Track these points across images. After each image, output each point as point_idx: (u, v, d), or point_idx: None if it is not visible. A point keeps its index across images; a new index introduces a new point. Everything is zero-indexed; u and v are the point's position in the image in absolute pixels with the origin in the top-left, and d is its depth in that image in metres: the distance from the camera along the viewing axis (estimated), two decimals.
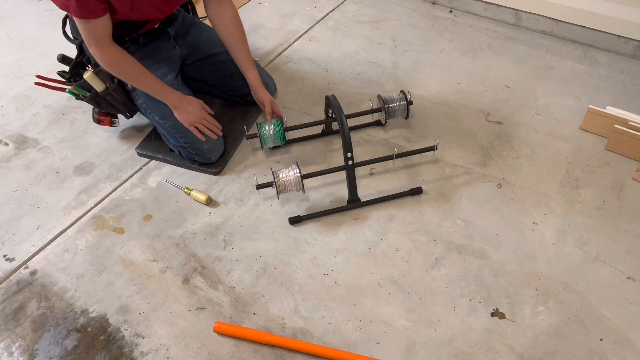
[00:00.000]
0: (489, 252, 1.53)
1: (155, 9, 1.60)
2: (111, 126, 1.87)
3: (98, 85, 1.68)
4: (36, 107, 2.10)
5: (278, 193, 1.58)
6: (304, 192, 1.60)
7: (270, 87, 2.02)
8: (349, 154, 1.59)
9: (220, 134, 1.77)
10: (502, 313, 1.39)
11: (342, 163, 1.61)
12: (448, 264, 1.50)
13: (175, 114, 1.68)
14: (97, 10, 1.46)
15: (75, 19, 1.47)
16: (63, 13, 1.73)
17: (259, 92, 1.80)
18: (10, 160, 1.88)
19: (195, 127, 1.70)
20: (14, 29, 2.57)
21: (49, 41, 2.42)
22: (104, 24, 1.50)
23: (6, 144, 1.95)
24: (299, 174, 1.56)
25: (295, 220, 1.62)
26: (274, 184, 1.56)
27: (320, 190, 1.73)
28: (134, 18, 1.59)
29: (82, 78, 1.69)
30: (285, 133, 1.76)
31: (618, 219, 1.60)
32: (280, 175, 1.57)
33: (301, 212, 1.64)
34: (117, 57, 1.57)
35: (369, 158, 1.69)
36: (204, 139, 1.72)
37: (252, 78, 1.80)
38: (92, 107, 1.82)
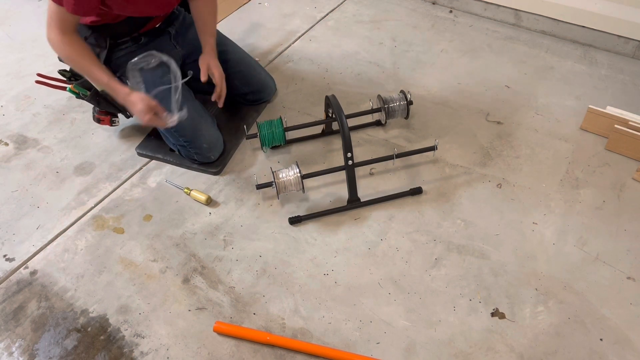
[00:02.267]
0: (489, 252, 1.53)
1: (153, 5, 1.59)
2: (111, 125, 1.87)
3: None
4: (36, 107, 2.10)
5: (278, 193, 1.58)
6: (303, 192, 1.60)
7: (271, 87, 2.02)
8: (349, 154, 1.59)
9: (166, 120, 1.58)
10: (502, 313, 1.39)
11: (342, 163, 1.61)
12: (448, 264, 1.50)
13: (127, 105, 1.59)
14: (90, 10, 1.46)
15: (55, 5, 1.44)
16: None
17: (206, 58, 1.71)
18: (10, 160, 1.88)
19: (147, 119, 1.56)
20: (14, 29, 2.57)
21: None
22: (77, 18, 1.50)
23: (6, 144, 1.95)
24: (299, 174, 1.56)
25: (295, 220, 1.62)
26: (274, 184, 1.56)
27: (320, 190, 1.73)
28: (130, 14, 1.59)
29: (83, 77, 1.69)
30: (285, 133, 1.76)
31: (618, 219, 1.60)
32: (280, 175, 1.57)
33: (301, 212, 1.64)
34: (74, 46, 1.53)
35: (369, 158, 1.69)
36: (162, 123, 1.57)
37: (205, 44, 1.74)
38: (93, 106, 1.82)
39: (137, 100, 1.54)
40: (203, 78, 1.70)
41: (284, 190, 1.58)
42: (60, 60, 1.66)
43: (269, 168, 1.78)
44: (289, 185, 1.57)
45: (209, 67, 1.71)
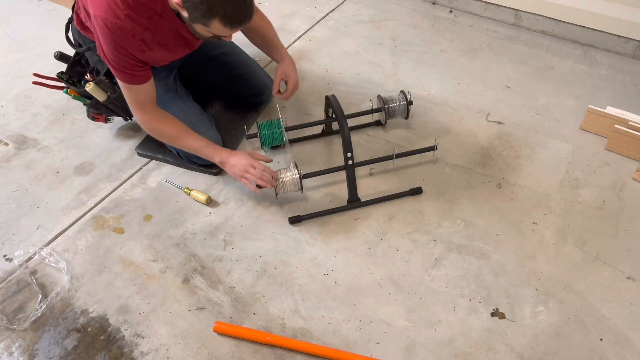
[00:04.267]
0: (489, 252, 1.53)
1: (178, 55, 1.63)
2: (106, 122, 1.88)
3: (100, 96, 1.68)
4: (36, 107, 2.10)
5: (277, 193, 1.58)
6: (302, 192, 1.60)
7: (270, 87, 2.02)
8: (349, 154, 1.59)
9: (274, 183, 1.56)
10: (502, 313, 1.39)
11: (342, 163, 1.62)
12: (448, 264, 1.50)
13: (225, 170, 1.61)
14: (140, 77, 1.50)
15: (122, 84, 1.51)
16: (63, 13, 1.73)
17: (286, 67, 1.76)
18: (10, 160, 1.88)
19: (245, 178, 1.55)
20: (14, 29, 2.57)
21: (49, 41, 2.42)
22: (148, 88, 1.54)
23: (6, 144, 1.95)
24: (297, 174, 1.56)
25: (295, 220, 1.62)
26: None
27: (320, 190, 1.73)
28: (161, 64, 1.63)
29: (80, 76, 1.69)
30: (285, 133, 1.76)
31: (618, 219, 1.60)
32: (280, 176, 1.57)
33: (301, 212, 1.64)
34: (160, 122, 1.59)
35: (369, 158, 1.69)
36: (257, 190, 1.56)
37: (277, 56, 1.80)
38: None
39: (240, 152, 1.58)
40: (275, 90, 1.76)
41: (283, 190, 1.58)
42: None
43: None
44: (288, 186, 1.57)
45: (285, 74, 1.76)
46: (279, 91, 1.78)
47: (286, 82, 1.77)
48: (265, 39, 1.81)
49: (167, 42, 1.50)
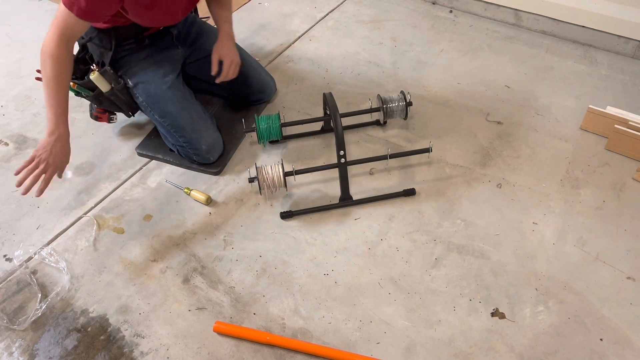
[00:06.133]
0: (489, 252, 1.53)
1: (168, 15, 1.60)
2: (109, 122, 1.87)
3: (103, 86, 1.68)
4: (36, 107, 2.10)
5: (260, 189, 1.59)
6: (286, 190, 1.60)
7: (271, 87, 2.02)
8: (342, 152, 1.59)
9: (39, 194, 1.42)
10: (502, 313, 1.39)
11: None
12: (448, 264, 1.50)
13: (44, 139, 1.46)
14: (100, 17, 1.45)
15: (64, 8, 1.41)
16: None
17: (220, 44, 1.73)
18: (10, 160, 1.88)
19: (34, 157, 1.42)
20: (14, 29, 2.57)
21: None
22: (84, 26, 1.47)
23: (6, 144, 1.95)
24: (281, 171, 1.58)
25: (286, 215, 1.62)
26: (256, 179, 1.58)
27: (320, 188, 1.73)
28: (146, 24, 1.59)
29: (83, 74, 1.68)
30: (283, 129, 1.77)
31: (618, 219, 1.60)
32: (263, 172, 1.58)
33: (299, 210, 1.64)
34: (59, 57, 1.46)
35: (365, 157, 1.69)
36: (16, 172, 1.43)
37: (221, 28, 1.76)
38: (90, 103, 1.82)
39: (66, 145, 1.46)
40: (213, 71, 1.71)
41: (267, 187, 1.59)
42: None
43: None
44: (272, 183, 1.58)
45: (219, 54, 1.72)
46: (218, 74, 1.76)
47: (222, 63, 1.75)
48: (215, 7, 1.77)
49: None
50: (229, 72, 1.76)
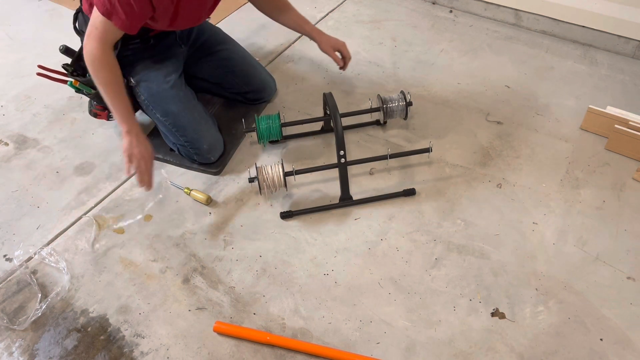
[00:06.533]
0: (489, 252, 1.53)
1: (191, 20, 1.62)
2: (108, 120, 1.87)
3: None
4: (36, 107, 2.10)
5: (260, 189, 1.59)
6: (286, 189, 1.60)
7: (271, 86, 2.02)
8: (342, 152, 1.59)
9: (149, 186, 1.56)
10: (502, 313, 1.39)
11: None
12: (448, 264, 1.50)
13: (124, 139, 1.55)
14: (137, 27, 1.48)
15: (103, 18, 1.45)
16: (63, 13, 1.72)
17: (324, 40, 1.83)
18: (10, 160, 1.88)
19: (129, 161, 1.53)
20: (14, 29, 2.57)
21: (49, 41, 2.42)
22: (121, 34, 1.51)
23: (6, 144, 1.95)
24: (281, 171, 1.58)
25: (286, 215, 1.62)
26: (256, 179, 1.58)
27: (320, 188, 1.73)
28: (172, 29, 1.62)
29: (84, 70, 1.68)
30: (283, 129, 1.76)
31: (618, 219, 1.60)
32: (263, 172, 1.58)
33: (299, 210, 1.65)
34: (109, 62, 1.53)
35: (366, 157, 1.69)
36: (127, 173, 1.61)
37: (310, 30, 1.86)
38: (90, 99, 1.81)
39: (147, 140, 1.56)
40: (339, 62, 1.84)
41: (267, 187, 1.59)
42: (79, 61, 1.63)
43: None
44: (272, 183, 1.58)
45: (334, 47, 1.82)
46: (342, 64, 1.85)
47: (341, 53, 1.84)
48: (293, 20, 1.89)
49: None
50: (349, 54, 1.85)
